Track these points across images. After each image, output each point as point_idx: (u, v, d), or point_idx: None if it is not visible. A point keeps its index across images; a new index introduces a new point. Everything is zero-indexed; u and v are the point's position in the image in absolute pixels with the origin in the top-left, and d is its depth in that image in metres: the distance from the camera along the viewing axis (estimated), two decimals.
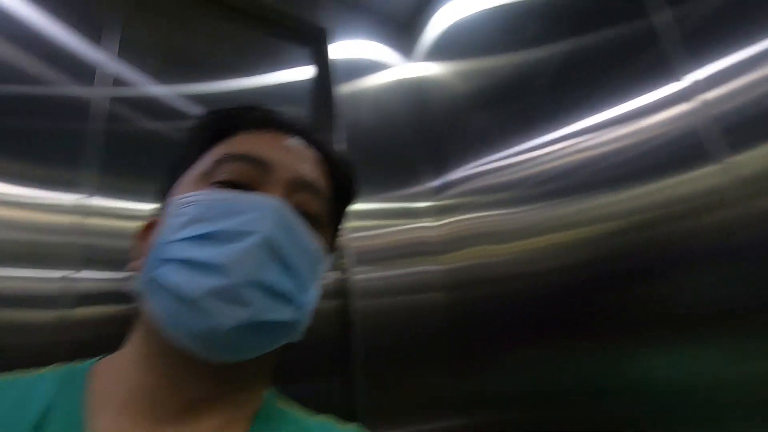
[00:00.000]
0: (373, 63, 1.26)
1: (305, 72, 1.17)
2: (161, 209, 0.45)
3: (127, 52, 0.92)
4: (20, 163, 0.75)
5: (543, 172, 0.90)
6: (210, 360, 0.38)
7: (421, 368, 0.99)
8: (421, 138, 1.24)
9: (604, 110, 0.78)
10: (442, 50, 1.24)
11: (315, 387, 0.88)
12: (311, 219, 0.46)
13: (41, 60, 0.84)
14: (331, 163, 0.53)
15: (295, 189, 0.45)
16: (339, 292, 0.98)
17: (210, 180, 0.44)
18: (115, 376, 0.41)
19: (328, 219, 0.50)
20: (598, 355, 0.74)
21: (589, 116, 0.81)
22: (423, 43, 1.31)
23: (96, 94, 0.85)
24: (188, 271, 0.37)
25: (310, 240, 0.44)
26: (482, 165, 1.06)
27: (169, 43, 1.00)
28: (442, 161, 1.18)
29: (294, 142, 0.50)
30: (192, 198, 0.41)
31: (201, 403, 0.40)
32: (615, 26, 0.78)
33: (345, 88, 1.17)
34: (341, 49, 1.21)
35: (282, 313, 0.40)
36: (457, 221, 1.11)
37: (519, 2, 1.00)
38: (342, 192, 0.54)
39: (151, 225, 0.45)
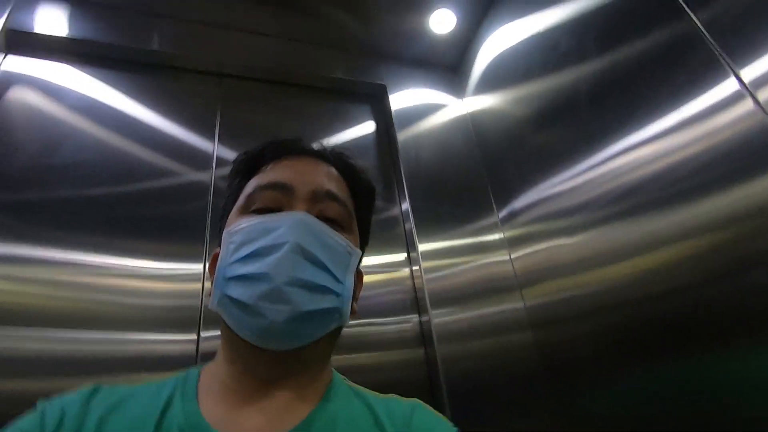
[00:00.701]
0: (429, 106, 1.34)
1: (368, 127, 1.30)
2: (220, 241, 0.54)
3: (226, 136, 1.11)
4: (155, 242, 0.94)
5: (612, 189, 0.86)
6: (273, 349, 0.47)
7: (515, 412, 0.97)
8: (481, 170, 1.28)
9: (663, 116, 0.75)
10: (489, 83, 1.28)
11: None
12: (334, 221, 0.54)
13: (167, 155, 1.05)
14: (345, 172, 0.61)
15: (316, 200, 0.54)
16: (420, 338, 1.04)
17: (248, 210, 0.53)
18: (213, 372, 0.53)
19: (351, 219, 0.58)
20: (708, 376, 0.69)
21: (649, 124, 0.78)
22: (472, 79, 1.37)
23: (208, 176, 1.04)
24: (243, 284, 0.47)
25: (335, 238, 0.52)
26: (546, 189, 1.05)
27: (256, 123, 1.19)
28: (505, 190, 1.21)
29: (311, 162, 0.59)
30: (237, 228, 0.51)
31: (271, 384, 0.49)
32: (655, 29, 0.77)
33: (405, 134, 1.26)
34: (399, 100, 1.31)
35: (321, 302, 0.48)
36: (530, 253, 1.11)
37: (555, 24, 1.02)
38: (360, 193, 0.62)
39: (215, 257, 0.55)
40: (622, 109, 0.84)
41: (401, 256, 1.15)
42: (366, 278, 1.04)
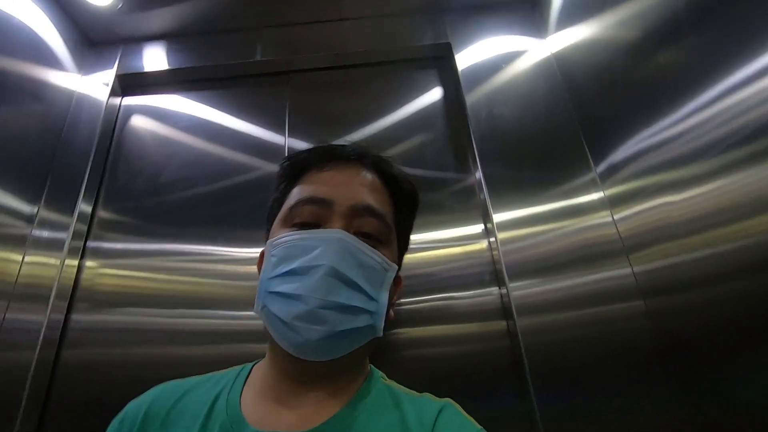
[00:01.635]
0: (502, 57, 1.18)
1: (436, 93, 1.21)
2: (266, 244, 0.57)
3: (295, 128, 1.18)
4: (251, 230, 1.07)
5: (739, 129, 0.65)
6: (309, 359, 0.50)
7: (618, 392, 0.83)
8: (572, 120, 1.08)
9: None
10: (579, 9, 1.06)
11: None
12: (372, 236, 0.55)
13: (249, 153, 1.18)
14: (388, 180, 0.61)
15: (354, 216, 0.54)
16: (502, 311, 0.96)
17: (290, 222, 0.56)
18: (260, 369, 0.58)
19: (389, 233, 0.57)
20: None
21: None
22: (554, 11, 1.15)
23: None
24: (282, 301, 0.50)
25: (372, 256, 0.53)
26: (655, 134, 0.83)
27: (323, 110, 1.22)
28: (603, 141, 1.00)
29: (352, 172, 0.59)
30: (279, 241, 0.54)
31: (306, 387, 0.53)
32: None
33: (476, 94, 1.14)
34: (467, 57, 1.19)
35: (355, 321, 0.50)
36: (638, 212, 0.91)
37: None
38: (401, 202, 0.61)
39: (262, 256, 0.58)
40: (756, 20, 0.61)
41: (478, 228, 1.06)
42: (442, 252, 1.02)
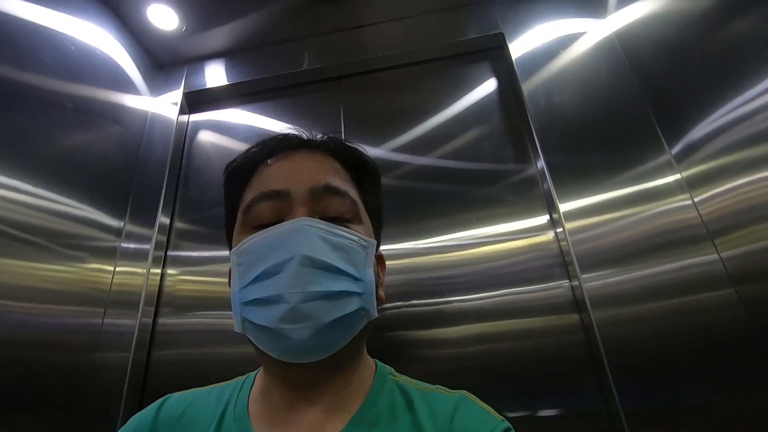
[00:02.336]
0: (559, 41, 1.14)
1: (490, 85, 1.19)
2: (230, 256, 0.53)
3: (350, 131, 1.20)
4: None
5: None
6: (306, 362, 0.46)
7: (717, 388, 0.77)
8: (639, 100, 1.02)
9: None
10: None
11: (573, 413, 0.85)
12: (340, 217, 0.51)
13: None
14: (342, 158, 0.57)
15: (315, 199, 0.50)
16: (574, 304, 0.93)
17: (249, 227, 0.51)
18: (260, 380, 0.55)
19: (357, 209, 0.53)
20: None
21: None
22: None
23: None
24: (261, 309, 0.46)
25: (345, 235, 0.49)
26: (736, 109, 0.78)
27: (376, 112, 1.24)
28: (677, 119, 0.93)
29: (303, 157, 0.55)
30: (242, 248, 0.49)
31: (309, 391, 0.49)
32: None
33: (532, 82, 1.10)
34: (521, 45, 1.16)
35: (343, 307, 0.46)
36: (722, 193, 0.84)
37: None
38: (363, 177, 0.57)
39: (230, 273, 0.54)
40: None
41: (543, 219, 1.03)
42: (506, 245, 1.00)
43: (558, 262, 0.98)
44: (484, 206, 1.05)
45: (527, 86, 1.10)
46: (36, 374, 0.85)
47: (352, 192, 0.54)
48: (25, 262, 0.85)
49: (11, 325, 0.81)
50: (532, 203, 1.05)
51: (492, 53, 1.23)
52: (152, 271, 1.08)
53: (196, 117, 1.35)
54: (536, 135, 1.04)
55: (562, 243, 0.98)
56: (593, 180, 0.98)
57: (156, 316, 1.08)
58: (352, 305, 0.47)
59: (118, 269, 1.07)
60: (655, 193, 0.94)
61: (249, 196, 0.52)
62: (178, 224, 1.20)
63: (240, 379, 0.57)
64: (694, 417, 0.76)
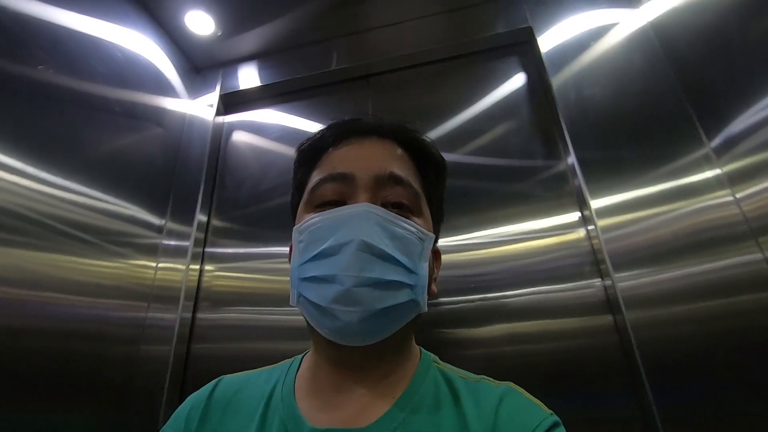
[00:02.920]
0: (589, 34, 1.11)
1: (519, 80, 1.18)
2: (293, 232, 0.54)
3: None
4: None
5: None
6: (353, 345, 0.48)
7: (762, 394, 0.74)
8: (676, 91, 0.98)
9: None
10: None
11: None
12: (401, 206, 0.51)
13: None
14: (410, 147, 0.57)
15: (379, 187, 0.51)
16: (606, 304, 0.91)
17: (313, 205, 0.53)
18: (308, 361, 0.57)
19: (419, 200, 0.54)
20: None
21: None
22: None
23: None
24: (316, 286, 0.47)
25: (405, 225, 0.49)
26: None
27: (405, 108, 1.25)
28: (716, 112, 0.90)
29: (371, 143, 0.55)
30: (304, 225, 0.51)
31: (355, 374, 0.51)
32: None
33: (562, 76, 1.08)
34: (550, 39, 1.14)
35: (394, 297, 0.46)
36: (766, 189, 0.81)
37: None
38: (428, 169, 0.57)
39: (291, 248, 0.55)
40: None
41: (574, 216, 1.01)
42: (536, 242, 1.00)
43: (589, 260, 0.96)
44: (513, 203, 1.05)
45: (557, 80, 1.08)
46: (85, 364, 0.92)
47: (416, 183, 0.54)
48: (76, 258, 0.91)
49: (63, 318, 0.87)
50: (562, 200, 1.04)
51: (520, 48, 1.21)
52: (191, 267, 1.14)
53: (231, 118, 1.40)
54: (566, 130, 1.02)
55: (594, 241, 0.96)
56: (627, 176, 0.95)
57: (195, 310, 1.14)
58: (402, 296, 0.47)
59: (160, 265, 1.13)
60: (693, 189, 0.90)
61: (316, 177, 0.54)
62: (215, 222, 1.25)
63: (287, 361, 0.60)
64: (733, 424, 0.74)
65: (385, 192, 0.51)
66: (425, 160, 0.58)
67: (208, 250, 1.22)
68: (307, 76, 1.34)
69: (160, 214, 1.17)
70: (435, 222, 0.58)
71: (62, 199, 0.89)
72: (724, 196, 0.88)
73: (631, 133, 0.99)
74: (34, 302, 0.81)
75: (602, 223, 0.92)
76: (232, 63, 1.41)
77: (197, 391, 0.59)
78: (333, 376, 0.51)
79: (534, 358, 0.91)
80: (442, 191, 0.61)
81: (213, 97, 1.35)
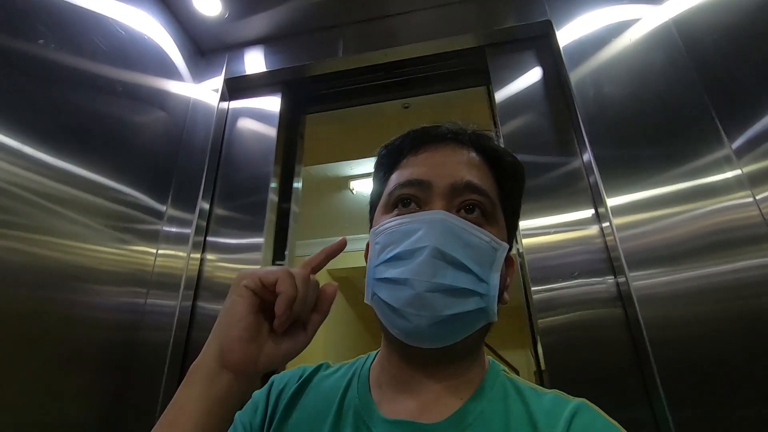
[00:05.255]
0: (609, 29, 1.08)
1: (535, 74, 1.16)
2: (370, 234, 0.57)
3: None
4: None
5: None
6: (421, 347, 0.50)
7: None
8: (697, 90, 0.96)
9: None
10: None
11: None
12: (476, 214, 0.52)
13: None
14: (488, 156, 0.57)
15: (455, 195, 0.52)
16: (618, 299, 0.90)
17: (391, 209, 0.55)
18: (380, 358, 0.58)
19: (494, 210, 0.54)
20: None
21: None
22: None
23: None
24: (390, 287, 0.49)
25: (478, 234, 0.50)
26: None
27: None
28: (738, 112, 0.88)
29: (449, 151, 0.56)
30: (381, 228, 0.53)
31: (424, 373, 0.52)
32: None
33: (580, 72, 1.06)
34: (569, 33, 1.11)
35: (464, 305, 0.48)
36: None
37: None
38: (505, 178, 0.57)
39: (367, 246, 0.58)
40: None
41: (588, 213, 1.00)
42: (548, 237, 0.97)
43: (603, 257, 0.95)
44: (526, 198, 1.02)
45: (575, 76, 1.06)
46: (85, 349, 0.88)
47: (492, 192, 0.55)
48: (75, 242, 0.87)
49: (62, 303, 0.84)
50: (576, 197, 1.02)
51: (538, 41, 1.18)
52: (192, 255, 1.11)
53: (236, 104, 1.36)
54: (583, 126, 1.00)
55: (608, 238, 0.94)
56: (644, 174, 0.93)
57: (195, 299, 1.10)
58: (471, 304, 0.48)
59: (160, 252, 1.10)
60: (712, 190, 0.89)
61: (393, 181, 0.56)
62: (218, 210, 1.22)
63: (363, 357, 0.62)
64: (748, 429, 0.73)
65: (460, 199, 0.52)
66: (502, 167, 0.58)
67: (209, 239, 1.18)
68: (316, 63, 1.30)
69: (162, 199, 1.13)
70: (510, 230, 0.58)
71: (60, 181, 0.85)
72: (743, 197, 0.87)
73: (650, 132, 0.97)
74: (31, 285, 0.78)
75: (618, 221, 0.90)
76: (239, 47, 1.36)
77: (284, 372, 0.62)
78: (403, 371, 0.53)
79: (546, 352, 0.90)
80: (519, 199, 0.61)
81: (218, 82, 1.31)
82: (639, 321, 0.82)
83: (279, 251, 1.22)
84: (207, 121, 1.25)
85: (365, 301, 0.53)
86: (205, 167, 1.19)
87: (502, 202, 0.56)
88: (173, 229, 1.12)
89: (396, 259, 0.49)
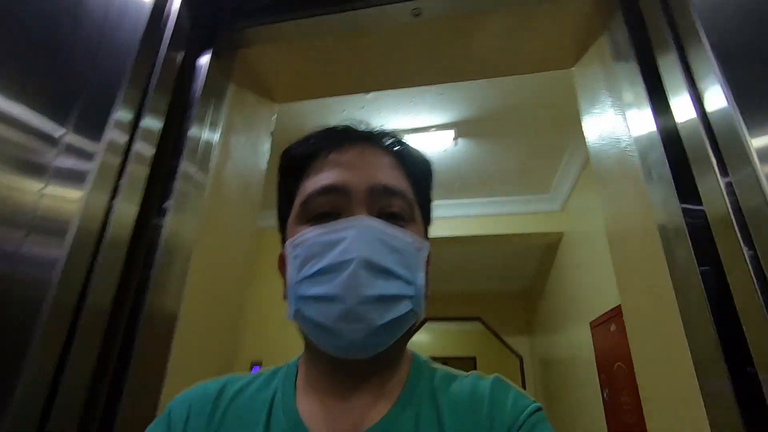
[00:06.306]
0: None
1: None
2: (285, 246, 0.54)
3: None
4: None
5: None
6: (355, 359, 0.50)
7: None
8: None
9: None
10: None
11: None
12: (396, 216, 0.52)
13: None
14: (399, 155, 0.57)
15: (374, 199, 0.52)
16: None
17: (307, 219, 0.52)
18: (304, 368, 0.56)
19: (412, 209, 0.55)
20: None
21: None
22: None
23: None
24: (317, 305, 0.48)
25: (403, 237, 0.51)
26: None
27: None
28: None
29: (361, 153, 0.55)
30: (299, 240, 0.51)
31: (356, 382, 0.52)
32: None
33: None
34: None
35: (396, 310, 0.49)
36: None
37: None
38: (417, 173, 0.58)
39: (281, 258, 0.56)
40: None
41: None
42: None
43: None
44: None
45: None
46: None
47: (408, 191, 0.56)
48: None
49: None
50: None
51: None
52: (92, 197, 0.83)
53: None
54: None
55: None
56: None
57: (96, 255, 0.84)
58: (403, 307, 0.49)
59: (46, 191, 0.83)
60: None
61: (308, 189, 0.54)
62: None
63: (282, 368, 0.59)
64: None
65: (380, 203, 0.52)
66: (415, 166, 0.59)
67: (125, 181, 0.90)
68: None
69: (60, 121, 0.85)
70: (425, 226, 0.59)
71: None
72: None
73: None
74: None
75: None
76: None
77: (180, 398, 0.56)
78: (333, 386, 0.52)
79: None
80: (430, 197, 0.61)
81: None
82: None
83: None
84: (137, 15, 0.92)
85: (287, 318, 0.52)
86: (127, 81, 0.88)
87: (418, 200, 0.57)
88: (69, 162, 0.84)
89: (321, 273, 0.49)
